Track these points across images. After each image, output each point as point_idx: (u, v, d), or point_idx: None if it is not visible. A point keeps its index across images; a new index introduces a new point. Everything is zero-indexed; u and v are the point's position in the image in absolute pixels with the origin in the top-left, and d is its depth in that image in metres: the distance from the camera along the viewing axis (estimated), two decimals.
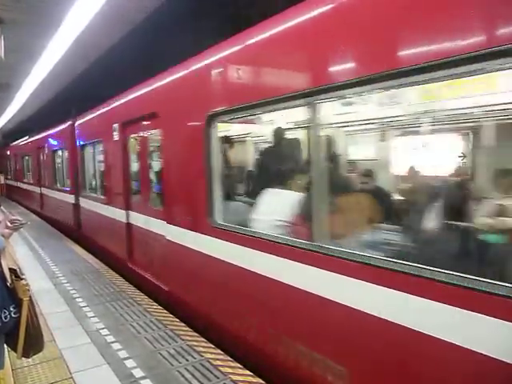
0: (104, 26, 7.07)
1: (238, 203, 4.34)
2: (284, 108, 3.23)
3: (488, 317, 1.84)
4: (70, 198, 9.73)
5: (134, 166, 6.09)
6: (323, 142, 2.88)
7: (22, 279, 2.29)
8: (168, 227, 4.77)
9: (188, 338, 3.95)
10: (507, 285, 1.80)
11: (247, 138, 6.97)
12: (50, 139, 11.78)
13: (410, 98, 4.25)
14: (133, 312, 4.66)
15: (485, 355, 1.85)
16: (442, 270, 2.03)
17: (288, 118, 4.97)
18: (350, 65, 2.56)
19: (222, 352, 3.65)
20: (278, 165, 4.02)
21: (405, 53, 2.22)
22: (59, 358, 3.55)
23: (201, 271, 4.20)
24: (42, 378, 3.23)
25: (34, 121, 18.29)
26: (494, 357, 1.82)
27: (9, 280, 2.28)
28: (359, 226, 3.25)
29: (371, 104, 4.74)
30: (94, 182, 8.45)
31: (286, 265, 3.01)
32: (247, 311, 3.53)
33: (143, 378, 3.22)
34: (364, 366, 2.51)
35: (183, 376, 3.23)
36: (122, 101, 6.33)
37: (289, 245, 3.00)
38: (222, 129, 4.74)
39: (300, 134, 4.44)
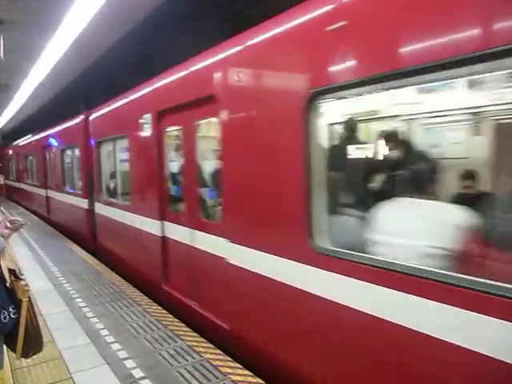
0: (104, 26, 7.06)
1: (346, 218, 3.20)
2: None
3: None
4: (83, 203, 8.46)
5: (174, 166, 5.01)
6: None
7: (21, 280, 2.29)
8: (232, 248, 3.60)
9: (188, 338, 3.95)
10: None
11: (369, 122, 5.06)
12: (57, 136, 10.70)
13: None
14: (132, 312, 4.65)
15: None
16: None
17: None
18: None
19: (221, 352, 3.65)
20: (411, 163, 3.10)
21: None
22: (59, 359, 3.55)
23: (295, 313, 3.00)
24: (41, 379, 3.23)
25: (34, 121, 18.29)
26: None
27: (8, 280, 2.28)
28: None
29: None
30: (113, 185, 7.29)
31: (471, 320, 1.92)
32: None
33: (143, 378, 3.21)
34: None
35: (183, 376, 3.23)
36: (157, 86, 5.09)
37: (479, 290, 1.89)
38: (334, 111, 3.81)
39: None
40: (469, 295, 1.92)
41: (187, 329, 4.20)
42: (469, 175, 3.73)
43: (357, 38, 2.46)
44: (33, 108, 16.44)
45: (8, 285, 2.27)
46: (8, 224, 2.44)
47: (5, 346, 2.34)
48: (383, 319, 2.29)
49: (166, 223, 4.96)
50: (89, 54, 8.98)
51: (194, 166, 4.40)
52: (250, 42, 3.40)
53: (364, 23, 2.42)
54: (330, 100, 2.80)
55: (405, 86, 2.60)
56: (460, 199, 3.23)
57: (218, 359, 3.51)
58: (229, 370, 3.31)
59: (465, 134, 4.36)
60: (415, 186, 2.88)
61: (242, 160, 3.49)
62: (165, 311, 4.72)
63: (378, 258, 2.40)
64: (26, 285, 2.28)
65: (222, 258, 3.74)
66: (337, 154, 3.69)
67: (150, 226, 5.29)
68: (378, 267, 2.34)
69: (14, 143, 20.01)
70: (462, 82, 3.43)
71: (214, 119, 3.93)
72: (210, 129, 4.31)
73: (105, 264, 6.99)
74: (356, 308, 2.46)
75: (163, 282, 5.03)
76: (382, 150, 3.96)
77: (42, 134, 12.60)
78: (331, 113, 3.98)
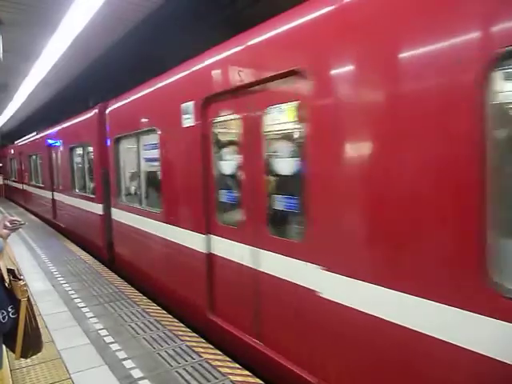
0: (103, 26, 7.06)
1: None
2: None
3: None
4: (97, 208, 7.37)
5: (226, 166, 3.87)
6: None
7: (19, 280, 2.29)
8: (327, 278, 2.65)
9: (187, 338, 3.95)
10: None
11: None
12: (65, 134, 9.67)
13: None
14: (132, 313, 4.65)
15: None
16: None
17: None
18: None
19: (220, 352, 3.65)
20: None
21: None
22: (58, 359, 3.54)
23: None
24: (40, 379, 3.23)
25: (34, 121, 18.27)
26: None
27: (7, 281, 2.28)
28: None
29: None
30: (135, 188, 6.30)
31: None
32: None
33: (142, 378, 3.21)
34: None
35: (182, 377, 3.23)
36: (203, 67, 3.99)
37: None
38: None
39: None
40: None
41: (186, 329, 4.20)
42: None
43: None
44: (32, 108, 16.44)
45: (7, 285, 2.27)
46: (8, 224, 2.44)
47: (4, 346, 2.34)
48: None
49: (214, 238, 3.93)
50: (89, 54, 8.97)
51: (261, 166, 3.30)
52: None
53: None
54: None
55: None
56: None
57: (217, 359, 3.51)
58: (228, 371, 3.31)
59: None
60: None
61: (340, 159, 2.56)
62: (164, 311, 4.72)
63: None
64: (25, 285, 2.28)
65: (310, 290, 2.80)
66: None
67: (189, 239, 4.30)
68: None
69: (16, 142, 19.29)
70: None
71: (293, 103, 3.02)
72: (284, 117, 3.29)
73: (121, 277, 6.26)
74: None
75: (208, 310, 4.01)
76: None
77: (48, 132, 11.56)
78: None
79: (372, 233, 2.43)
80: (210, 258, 4.00)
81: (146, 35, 7.26)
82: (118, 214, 6.51)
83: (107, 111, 6.78)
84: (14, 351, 2.34)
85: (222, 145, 4.00)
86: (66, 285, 5.77)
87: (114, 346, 3.78)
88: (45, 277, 6.18)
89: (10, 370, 3.29)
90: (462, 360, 1.94)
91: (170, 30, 6.69)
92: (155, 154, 5.11)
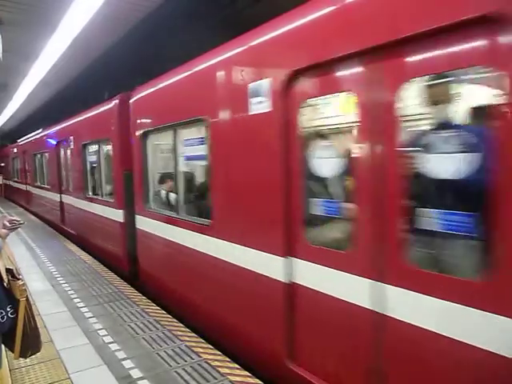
0: (103, 26, 7.06)
1: None
2: None
3: None
4: (116, 215, 6.37)
5: (324, 166, 2.90)
6: None
7: (18, 279, 2.29)
8: None
9: (186, 338, 3.95)
10: None
11: None
12: (77, 130, 8.64)
13: None
14: (131, 313, 4.64)
15: None
16: None
17: None
18: None
19: (220, 353, 3.65)
20: None
21: None
22: (57, 359, 3.54)
23: None
24: (39, 379, 3.22)
25: (34, 120, 18.27)
26: None
27: (5, 280, 2.28)
28: None
29: None
30: (164, 192, 5.36)
31: None
32: None
33: (141, 378, 3.21)
34: None
35: (181, 377, 3.22)
36: (293, 26, 2.93)
37: None
38: None
39: None
40: None
41: (186, 329, 4.19)
42: None
43: None
44: (32, 108, 16.43)
45: (5, 284, 2.27)
46: (7, 223, 2.44)
47: (3, 346, 2.34)
48: None
49: (300, 262, 2.93)
50: (88, 54, 8.97)
51: (396, 165, 2.30)
52: None
53: None
54: None
55: None
56: None
57: (216, 360, 3.50)
58: (227, 371, 3.30)
59: None
60: None
61: None
62: (163, 311, 4.71)
63: None
64: (24, 284, 2.28)
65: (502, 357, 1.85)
66: None
67: (256, 262, 3.32)
68: None
69: (19, 140, 18.27)
70: None
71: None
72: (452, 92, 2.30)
73: (142, 292, 5.44)
74: None
75: (288, 357, 3.06)
76: None
77: (56, 128, 10.52)
78: None
79: None
80: (293, 289, 2.99)
81: (146, 35, 7.26)
82: (144, 223, 5.49)
83: (132, 101, 5.69)
84: (12, 351, 2.34)
85: (317, 136, 3.04)
86: (66, 285, 5.76)
87: (114, 346, 3.78)
88: (44, 277, 6.18)
89: (10, 370, 3.29)
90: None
91: (169, 29, 6.69)
92: (201, 150, 4.11)
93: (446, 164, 2.17)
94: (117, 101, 6.26)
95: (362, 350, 2.55)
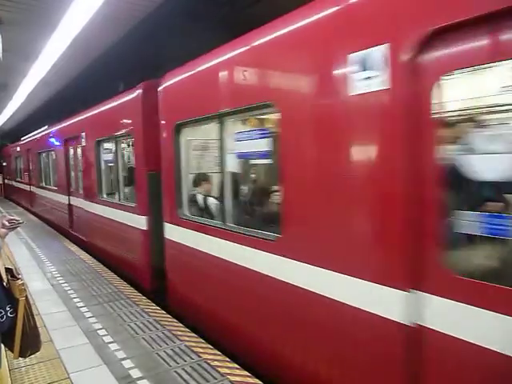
0: (103, 25, 7.06)
1: None
2: None
3: None
4: (138, 222, 5.53)
5: (490, 165, 2.03)
6: None
7: (18, 279, 2.29)
8: None
9: (186, 338, 3.94)
10: None
11: None
12: (89, 125, 7.84)
13: None
14: (130, 312, 4.64)
15: None
16: None
17: None
18: None
19: (219, 353, 3.64)
20: None
21: None
22: (56, 358, 3.54)
23: None
24: (39, 378, 3.22)
25: (34, 120, 18.26)
26: None
27: (5, 280, 2.27)
28: None
29: None
30: (201, 196, 4.58)
31: None
32: None
33: (140, 378, 3.20)
34: None
35: (181, 377, 3.22)
36: None
37: None
38: None
39: None
40: None
41: (185, 329, 4.19)
42: None
43: None
44: (32, 107, 16.42)
45: (5, 284, 2.27)
46: (6, 223, 2.44)
47: (3, 346, 2.33)
48: None
49: (438, 301, 2.03)
50: (88, 54, 8.96)
51: None
52: None
53: None
54: None
55: None
56: None
57: (216, 360, 3.50)
58: (227, 371, 3.30)
59: None
60: None
61: None
62: (163, 311, 4.71)
63: None
64: (23, 284, 2.28)
65: None
66: None
67: (355, 293, 2.45)
68: None
69: (23, 138, 17.35)
70: None
71: None
72: None
73: (170, 312, 4.63)
74: None
75: None
76: None
77: (65, 124, 9.67)
78: None
79: None
80: (421, 335, 2.11)
81: (146, 35, 7.26)
82: (177, 233, 4.56)
83: (161, 88, 4.81)
84: (12, 350, 2.34)
85: (471, 122, 2.27)
86: (65, 284, 5.76)
87: (113, 346, 3.77)
88: (44, 276, 6.17)
89: (9, 370, 3.28)
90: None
91: (169, 29, 6.69)
92: (263, 145, 3.32)
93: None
94: (140, 90, 5.40)
95: None
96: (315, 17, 2.71)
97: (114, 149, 6.70)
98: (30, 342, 2.36)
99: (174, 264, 4.82)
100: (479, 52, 1.91)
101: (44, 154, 12.32)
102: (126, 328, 4.20)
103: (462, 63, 1.98)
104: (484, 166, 2.02)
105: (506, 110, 2.19)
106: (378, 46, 2.23)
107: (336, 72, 2.52)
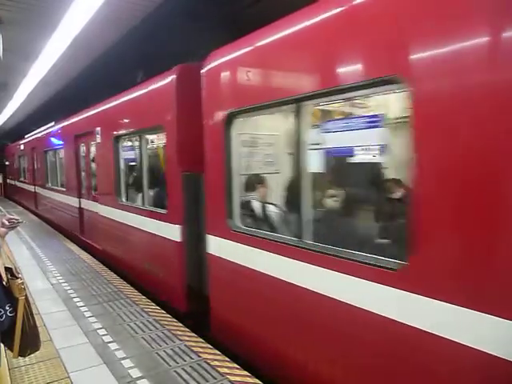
0: (103, 25, 7.06)
1: None
2: None
3: None
4: (170, 232, 4.72)
5: None
6: None
7: (17, 278, 2.29)
8: None
9: (186, 338, 3.94)
10: None
11: None
12: (105, 119, 6.94)
13: None
14: (130, 312, 4.64)
15: None
16: None
17: None
18: None
19: (219, 352, 3.65)
20: None
21: None
22: (56, 358, 3.54)
23: None
24: (38, 378, 3.22)
25: (35, 120, 18.25)
26: None
27: (4, 279, 2.28)
28: None
29: None
30: (260, 205, 3.88)
31: None
32: None
33: (140, 378, 3.20)
34: None
35: (181, 376, 3.22)
36: None
37: None
38: None
39: None
40: None
41: (185, 329, 4.19)
42: None
43: None
44: (32, 107, 16.41)
45: (4, 283, 2.27)
46: (6, 222, 2.44)
47: (2, 345, 2.34)
48: None
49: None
50: (88, 53, 8.96)
51: None
52: None
53: None
54: None
55: None
56: None
57: (215, 359, 3.50)
58: (226, 371, 3.30)
59: None
60: None
61: None
62: (163, 311, 4.71)
63: None
64: (23, 283, 2.28)
65: None
66: None
67: None
68: None
69: (28, 136, 16.49)
70: None
71: None
72: None
73: (214, 345, 3.82)
74: None
75: None
76: None
77: (75, 119, 8.73)
78: None
79: None
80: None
81: (146, 34, 7.26)
82: (227, 249, 3.71)
83: (206, 71, 3.92)
84: (12, 350, 2.34)
85: None
86: (65, 284, 5.76)
87: (113, 346, 3.78)
88: (44, 276, 6.17)
89: (9, 369, 3.28)
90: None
91: (169, 28, 6.69)
92: (375, 137, 2.53)
93: None
94: (174, 75, 4.54)
95: None
96: None
97: (137, 145, 5.87)
98: (29, 342, 2.36)
99: (222, 287, 3.95)
100: None
101: (51, 153, 11.36)
102: (126, 327, 4.20)
103: None
104: None
105: None
106: None
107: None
